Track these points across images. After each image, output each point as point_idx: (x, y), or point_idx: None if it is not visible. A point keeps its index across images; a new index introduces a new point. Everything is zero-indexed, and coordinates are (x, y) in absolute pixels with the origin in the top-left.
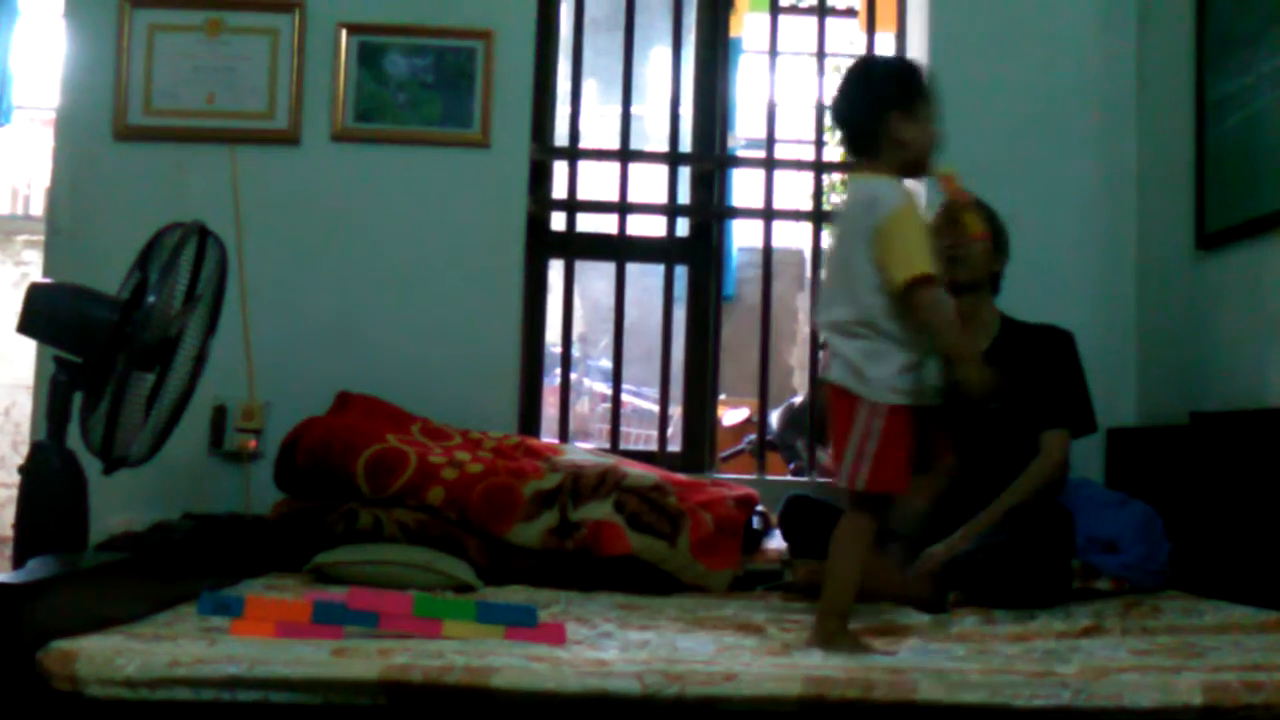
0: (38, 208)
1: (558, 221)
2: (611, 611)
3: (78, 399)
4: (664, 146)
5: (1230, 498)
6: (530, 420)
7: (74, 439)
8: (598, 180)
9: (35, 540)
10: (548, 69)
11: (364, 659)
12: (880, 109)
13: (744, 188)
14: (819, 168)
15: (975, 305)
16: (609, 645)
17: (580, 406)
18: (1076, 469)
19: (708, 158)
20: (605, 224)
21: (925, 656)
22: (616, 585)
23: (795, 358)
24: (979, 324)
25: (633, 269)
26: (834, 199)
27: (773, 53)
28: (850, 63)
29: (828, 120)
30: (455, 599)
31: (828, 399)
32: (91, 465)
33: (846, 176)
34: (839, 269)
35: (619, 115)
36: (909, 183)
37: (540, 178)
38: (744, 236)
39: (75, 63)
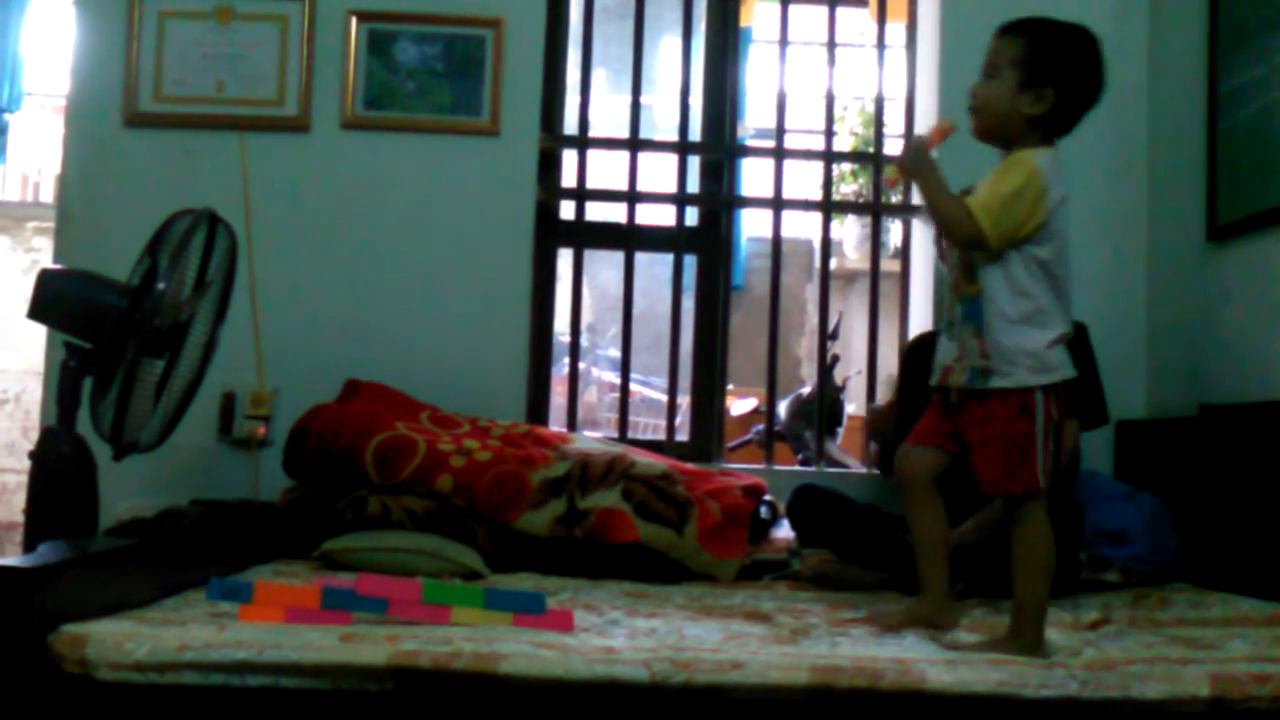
0: (48, 194)
1: (567, 210)
2: (619, 599)
3: (88, 385)
4: (673, 135)
5: (1239, 490)
6: (538, 409)
7: (84, 425)
8: (607, 169)
9: (45, 525)
10: (557, 57)
11: (372, 644)
12: None
13: (753, 177)
14: (829, 157)
15: None
16: (617, 632)
17: (588, 395)
18: (1085, 461)
19: (717, 147)
20: (614, 213)
21: (932, 647)
22: (624, 573)
23: (803, 348)
24: None
25: (641, 258)
26: (843, 189)
27: (783, 42)
28: None
29: (837, 110)
30: (463, 586)
31: None
32: (101, 451)
33: None
34: None
35: (628, 104)
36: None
37: (549, 166)
38: (753, 226)
39: (85, 50)
